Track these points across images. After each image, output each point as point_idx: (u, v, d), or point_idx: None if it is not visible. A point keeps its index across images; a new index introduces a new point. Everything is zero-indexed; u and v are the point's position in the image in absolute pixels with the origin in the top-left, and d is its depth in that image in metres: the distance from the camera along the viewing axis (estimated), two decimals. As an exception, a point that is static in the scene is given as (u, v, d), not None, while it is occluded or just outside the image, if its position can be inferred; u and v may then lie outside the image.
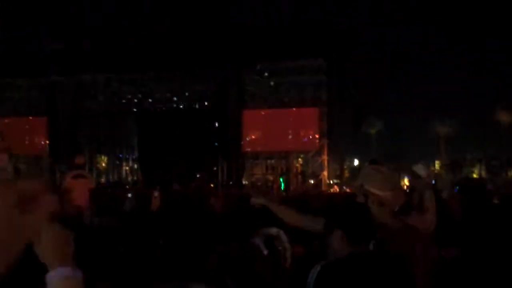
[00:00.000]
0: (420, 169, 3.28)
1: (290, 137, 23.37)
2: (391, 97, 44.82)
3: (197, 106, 25.27)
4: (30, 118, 25.13)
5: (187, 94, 25.10)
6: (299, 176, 24.21)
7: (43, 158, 25.34)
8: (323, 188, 22.69)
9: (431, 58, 42.15)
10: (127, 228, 4.65)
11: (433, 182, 5.77)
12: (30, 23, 25.69)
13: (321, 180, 23.66)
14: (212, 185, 18.68)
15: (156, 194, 6.51)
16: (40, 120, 24.89)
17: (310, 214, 2.92)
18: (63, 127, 24.76)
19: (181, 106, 25.60)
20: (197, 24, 23.51)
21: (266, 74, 23.75)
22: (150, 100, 25.49)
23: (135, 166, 28.98)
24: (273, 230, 2.61)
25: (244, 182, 22.98)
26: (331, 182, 25.66)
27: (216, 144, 25.19)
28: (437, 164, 33.29)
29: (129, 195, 8.88)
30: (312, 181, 23.83)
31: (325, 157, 23.87)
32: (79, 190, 6.87)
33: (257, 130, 23.62)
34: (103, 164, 28.99)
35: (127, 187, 20.00)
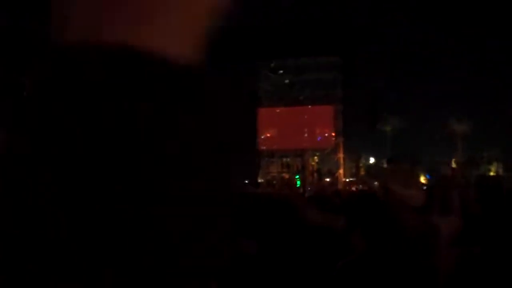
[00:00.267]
0: (445, 168, 3.26)
1: (305, 135, 23.32)
2: (407, 94, 44.48)
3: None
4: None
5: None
6: (315, 174, 24.16)
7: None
8: (339, 186, 22.64)
9: (445, 56, 41.81)
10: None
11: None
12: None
13: (337, 178, 23.60)
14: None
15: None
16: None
17: (330, 212, 2.93)
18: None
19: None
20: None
21: (281, 71, 23.73)
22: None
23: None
24: None
25: (259, 180, 22.99)
26: (347, 180, 25.59)
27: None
28: (453, 162, 33.01)
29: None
30: (328, 179, 23.78)
31: (341, 155, 23.81)
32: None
33: (272, 128, 23.61)
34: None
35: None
